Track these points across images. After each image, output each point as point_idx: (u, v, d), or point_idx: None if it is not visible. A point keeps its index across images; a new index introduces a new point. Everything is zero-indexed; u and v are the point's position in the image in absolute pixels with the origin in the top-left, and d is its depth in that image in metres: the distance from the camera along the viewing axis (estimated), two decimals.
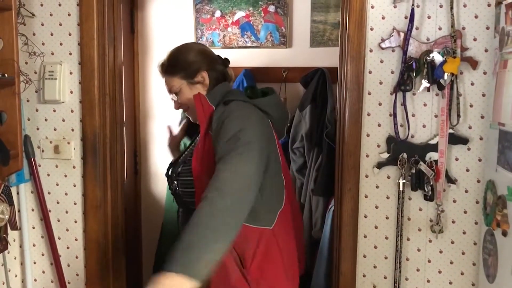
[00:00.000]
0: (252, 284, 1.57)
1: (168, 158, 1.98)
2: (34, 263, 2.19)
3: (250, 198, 1.41)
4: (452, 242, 1.91)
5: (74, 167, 2.11)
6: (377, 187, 1.94)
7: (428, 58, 1.82)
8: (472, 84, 1.83)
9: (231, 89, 1.78)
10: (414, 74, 1.84)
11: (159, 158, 3.20)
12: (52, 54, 2.07)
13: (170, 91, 1.78)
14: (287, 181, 1.73)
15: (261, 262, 1.58)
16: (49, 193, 2.13)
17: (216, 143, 1.53)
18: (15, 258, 2.18)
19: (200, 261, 1.25)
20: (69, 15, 2.04)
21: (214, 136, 1.56)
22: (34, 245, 2.18)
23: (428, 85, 1.83)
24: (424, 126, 1.88)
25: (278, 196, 1.67)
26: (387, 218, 1.94)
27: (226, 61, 1.83)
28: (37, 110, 2.11)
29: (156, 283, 1.25)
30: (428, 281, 1.94)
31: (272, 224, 1.62)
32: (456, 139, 1.85)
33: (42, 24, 2.06)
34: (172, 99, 1.82)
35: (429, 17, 1.84)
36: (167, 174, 1.85)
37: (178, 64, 1.75)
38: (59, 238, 2.15)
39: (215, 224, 1.31)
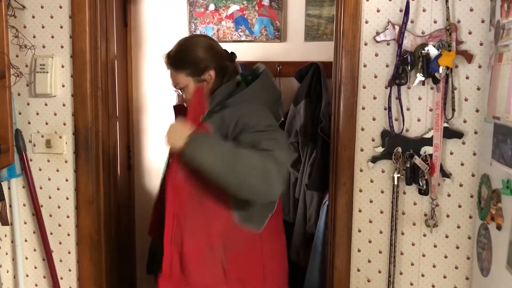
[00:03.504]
0: (229, 280, 1.60)
1: (162, 152, 1.96)
2: (26, 258, 2.17)
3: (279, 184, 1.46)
4: (447, 236, 1.91)
5: (66, 162, 2.08)
6: (371, 181, 1.93)
7: (423, 51, 1.81)
8: (467, 77, 1.83)
9: (233, 89, 1.72)
10: (409, 68, 1.83)
11: (153, 153, 3.18)
12: (44, 47, 2.04)
13: (175, 86, 1.75)
14: None
15: (242, 264, 1.61)
16: (41, 188, 2.11)
17: (238, 135, 1.55)
18: (6, 254, 2.16)
19: (207, 151, 1.44)
20: (60, 7, 2.01)
21: (224, 133, 1.56)
22: (26, 241, 2.16)
23: (423, 78, 1.83)
24: (419, 120, 1.88)
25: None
26: (381, 212, 1.94)
27: (233, 55, 1.80)
28: (28, 104, 2.08)
29: (176, 124, 1.54)
30: (423, 275, 1.94)
31: (260, 228, 1.63)
32: (451, 133, 1.85)
33: (33, 17, 2.03)
34: (176, 92, 1.79)
35: (424, 10, 1.83)
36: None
37: (186, 60, 1.70)
38: (51, 234, 2.13)
39: (243, 165, 1.43)
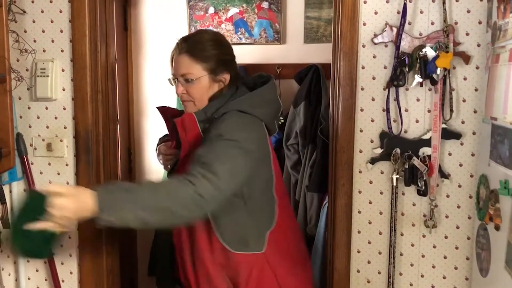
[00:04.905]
0: None
1: None
2: (28, 261, 2.17)
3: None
4: (446, 237, 1.92)
5: (67, 165, 2.09)
6: (370, 182, 1.94)
7: (420, 53, 1.82)
8: (465, 79, 1.83)
9: (227, 98, 1.61)
10: (407, 69, 1.84)
11: (154, 156, 3.17)
12: (44, 51, 2.05)
13: (182, 75, 1.56)
14: (281, 198, 1.68)
15: None
16: None
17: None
18: (8, 257, 2.17)
19: (121, 207, 1.26)
20: (60, 11, 2.02)
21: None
22: None
23: (421, 80, 1.83)
24: (417, 121, 1.88)
25: (267, 216, 1.63)
26: (380, 213, 1.94)
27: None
28: (29, 108, 2.09)
29: (72, 190, 1.30)
30: (422, 276, 1.95)
31: (263, 247, 1.59)
32: (449, 134, 1.85)
33: (34, 21, 2.05)
34: (173, 81, 1.61)
35: (421, 12, 1.84)
36: None
37: (209, 52, 1.55)
38: None
39: (164, 202, 1.30)
